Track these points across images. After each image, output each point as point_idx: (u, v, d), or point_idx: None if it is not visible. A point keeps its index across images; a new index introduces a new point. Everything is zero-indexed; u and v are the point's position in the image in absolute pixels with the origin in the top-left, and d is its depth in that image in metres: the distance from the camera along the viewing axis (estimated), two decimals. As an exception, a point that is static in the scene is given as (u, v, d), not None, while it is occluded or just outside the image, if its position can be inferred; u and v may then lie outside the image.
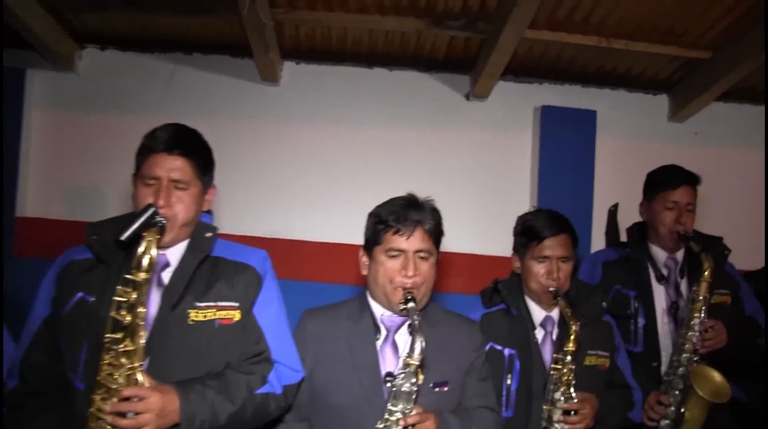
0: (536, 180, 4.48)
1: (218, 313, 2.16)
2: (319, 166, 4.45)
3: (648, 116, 4.78)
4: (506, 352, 2.60)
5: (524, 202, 4.44)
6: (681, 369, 2.91)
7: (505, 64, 4.12)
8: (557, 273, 2.60)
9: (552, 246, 2.62)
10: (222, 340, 2.16)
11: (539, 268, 2.63)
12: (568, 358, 2.48)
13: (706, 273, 2.96)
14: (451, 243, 4.25)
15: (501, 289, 2.70)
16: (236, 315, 2.19)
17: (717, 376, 2.87)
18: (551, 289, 2.59)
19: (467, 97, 4.60)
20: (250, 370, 2.17)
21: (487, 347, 2.57)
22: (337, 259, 4.23)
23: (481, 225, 4.42)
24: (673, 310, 3.08)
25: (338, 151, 4.48)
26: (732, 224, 4.59)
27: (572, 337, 2.49)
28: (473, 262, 4.35)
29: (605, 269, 3.22)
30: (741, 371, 3.19)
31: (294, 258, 4.30)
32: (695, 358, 2.90)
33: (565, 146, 4.48)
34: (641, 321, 3.08)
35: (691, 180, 3.17)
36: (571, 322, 2.50)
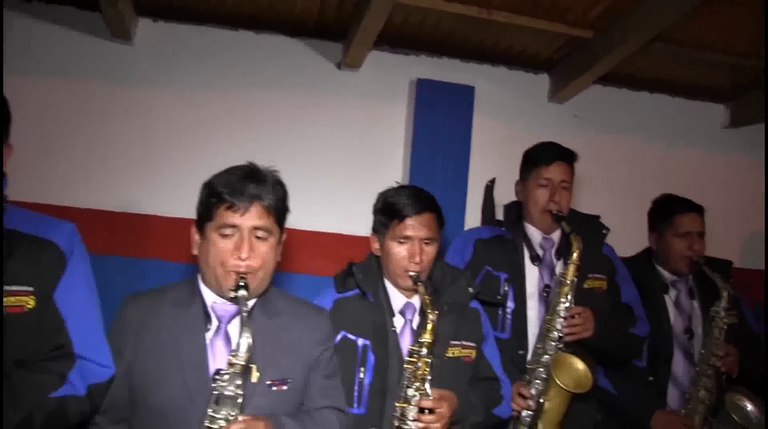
0: (409, 156, 4.24)
1: (7, 299, 1.77)
2: (175, 134, 4.02)
3: (528, 95, 4.64)
4: (360, 342, 2.33)
5: (396, 179, 4.19)
6: (545, 357, 2.73)
7: (377, 31, 3.83)
8: (420, 256, 2.34)
9: (414, 226, 2.36)
10: (10, 332, 1.76)
11: (400, 250, 2.37)
12: (424, 350, 2.22)
13: (574, 255, 2.79)
14: (315, 221, 3.99)
15: (355, 272, 2.41)
16: (29, 301, 1.80)
17: (579, 364, 2.72)
18: (412, 273, 2.34)
19: (338, 66, 4.28)
20: (45, 368, 1.79)
21: (339, 337, 2.30)
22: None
23: (349, 202, 4.11)
24: (545, 293, 2.90)
25: (196, 119, 4.07)
26: (610, 210, 4.52)
27: (429, 327, 2.23)
28: (338, 242, 4.04)
29: (477, 248, 2.99)
30: (611, 362, 3.06)
31: (143, 234, 3.90)
32: (560, 346, 2.73)
33: (441, 122, 4.26)
34: (510, 305, 2.88)
35: (566, 156, 2.99)
36: (428, 311, 2.25)
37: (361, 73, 4.30)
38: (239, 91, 4.13)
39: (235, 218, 1.94)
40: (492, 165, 4.15)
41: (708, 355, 3.12)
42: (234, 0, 3.91)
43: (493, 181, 3.35)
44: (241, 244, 1.94)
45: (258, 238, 1.98)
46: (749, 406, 3.09)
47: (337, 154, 4.25)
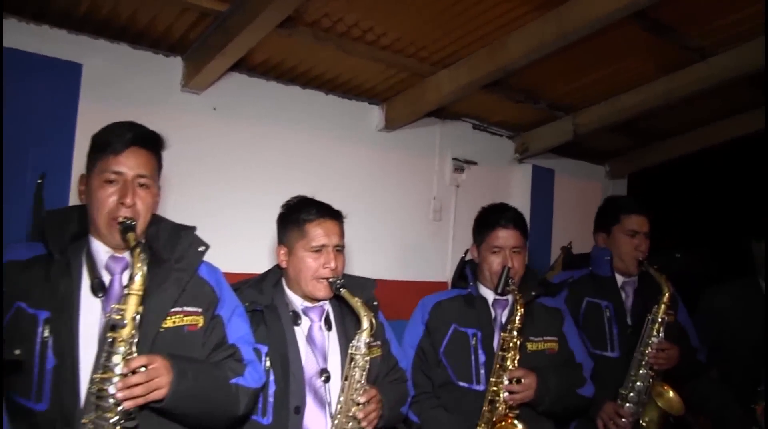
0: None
1: None
2: None
3: (157, 81, 3.74)
4: None
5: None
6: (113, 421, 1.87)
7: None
8: None
9: None
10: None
11: None
12: None
13: (136, 279, 1.94)
14: None
15: None
16: None
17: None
18: None
19: None
20: None
21: None
22: None
23: None
24: (109, 338, 1.98)
25: None
26: (254, 218, 3.88)
27: None
28: None
29: (9, 274, 2.01)
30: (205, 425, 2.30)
31: None
32: (113, 420, 1.87)
33: (36, 104, 3.23)
34: (51, 361, 1.94)
35: (145, 141, 2.22)
36: None
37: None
38: None
39: None
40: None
41: (348, 403, 2.51)
42: None
43: (42, 177, 2.42)
44: None
45: None
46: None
47: None
